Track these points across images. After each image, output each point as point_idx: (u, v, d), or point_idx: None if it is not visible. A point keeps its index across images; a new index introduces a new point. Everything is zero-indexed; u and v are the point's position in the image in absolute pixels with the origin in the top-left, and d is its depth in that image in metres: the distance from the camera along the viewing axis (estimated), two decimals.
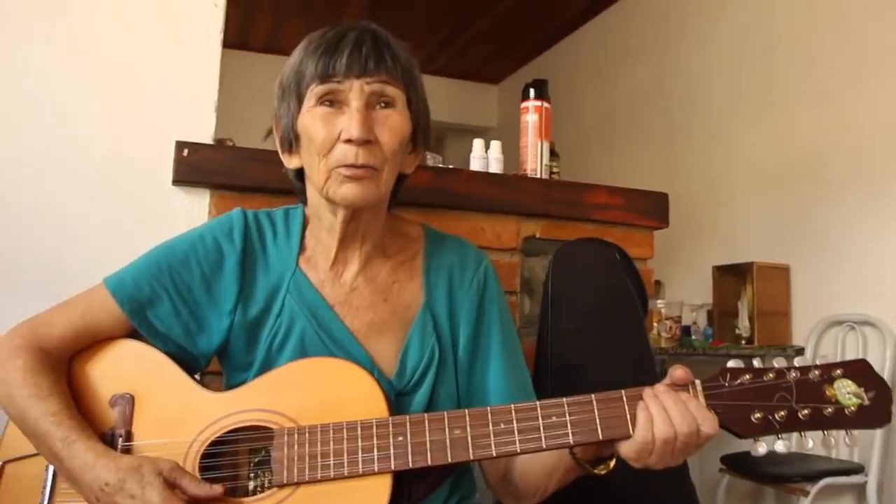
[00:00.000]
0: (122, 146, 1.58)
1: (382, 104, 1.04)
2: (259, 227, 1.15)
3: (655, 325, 3.10)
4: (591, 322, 1.56)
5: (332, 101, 1.03)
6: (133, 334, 1.09)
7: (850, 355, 2.84)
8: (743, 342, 3.12)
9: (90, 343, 1.08)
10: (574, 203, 1.77)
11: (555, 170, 1.91)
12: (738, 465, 2.77)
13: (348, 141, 1.01)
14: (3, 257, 1.51)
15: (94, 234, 1.55)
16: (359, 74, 1.01)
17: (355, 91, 1.02)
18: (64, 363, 1.06)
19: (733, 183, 3.57)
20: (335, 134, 1.02)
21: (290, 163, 1.11)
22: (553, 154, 1.89)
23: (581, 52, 5.09)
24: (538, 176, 1.80)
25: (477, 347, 1.16)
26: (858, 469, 2.59)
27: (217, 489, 0.95)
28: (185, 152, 1.53)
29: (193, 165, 1.54)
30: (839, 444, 0.94)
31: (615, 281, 1.63)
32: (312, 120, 1.03)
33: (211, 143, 1.60)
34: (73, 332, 1.06)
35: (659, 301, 3.18)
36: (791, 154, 3.26)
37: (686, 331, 3.28)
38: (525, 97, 1.85)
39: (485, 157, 1.82)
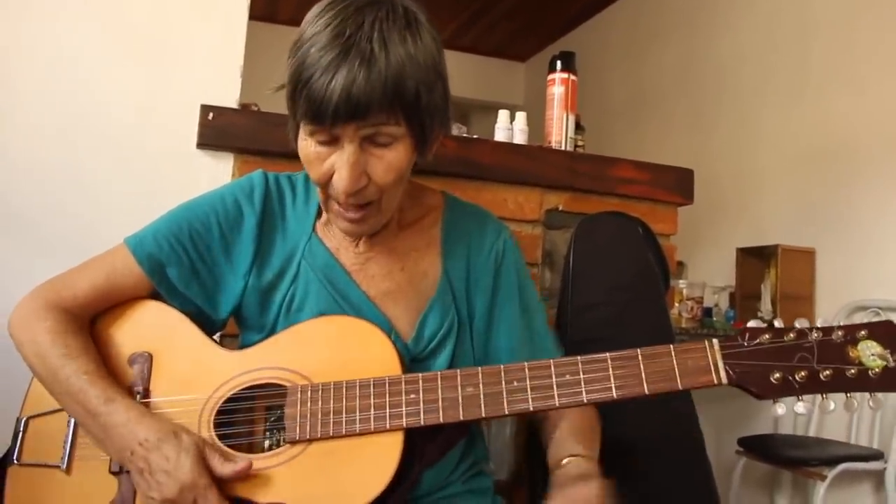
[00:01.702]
0: (147, 110, 1.60)
1: (378, 143, 0.98)
2: (279, 191, 1.15)
3: (677, 305, 3.07)
4: (611, 296, 1.55)
5: (325, 140, 0.98)
6: (154, 295, 1.10)
7: None
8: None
9: (113, 303, 1.10)
10: (598, 176, 1.76)
11: (580, 143, 1.90)
12: (755, 447, 2.76)
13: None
14: (30, 220, 1.53)
15: (120, 196, 1.57)
16: (348, 120, 0.94)
17: (348, 135, 0.96)
18: (88, 323, 1.08)
19: (760, 165, 3.52)
20: (328, 174, 0.99)
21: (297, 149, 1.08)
22: (578, 127, 1.87)
23: (610, 30, 5.03)
24: (563, 148, 1.79)
25: (492, 318, 1.15)
26: (877, 455, 2.56)
27: (241, 466, 0.95)
28: (210, 116, 1.54)
29: (218, 129, 1.55)
30: (862, 408, 0.90)
31: (637, 256, 1.62)
32: (307, 155, 1.00)
33: (236, 107, 1.60)
34: (96, 292, 1.08)
35: (681, 281, 3.15)
36: (821, 138, 3.20)
37: (707, 312, 3.26)
38: (552, 69, 1.83)
39: (509, 129, 1.81)
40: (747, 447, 2.79)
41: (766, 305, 3.12)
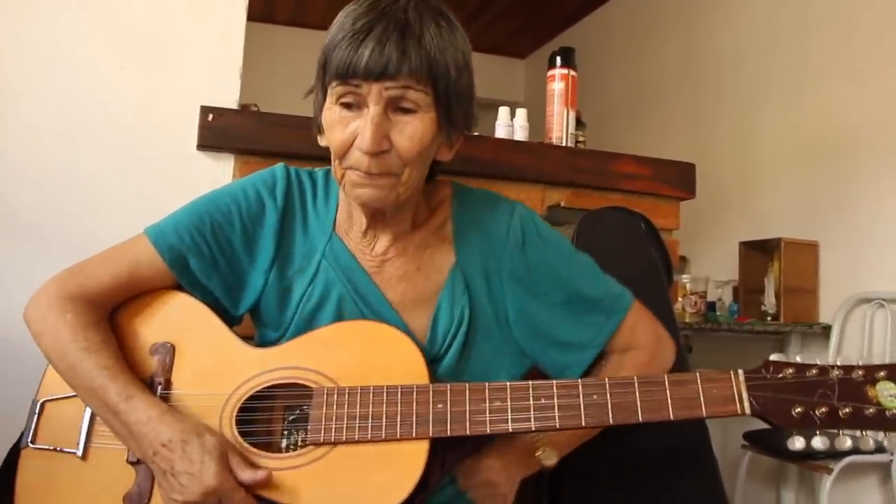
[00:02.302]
0: (147, 111, 1.59)
1: (402, 110, 0.98)
2: (301, 187, 1.14)
3: (680, 299, 3.07)
4: None
5: (350, 103, 0.98)
6: (175, 286, 1.09)
7: (879, 334, 2.81)
8: (769, 319, 3.08)
9: (134, 294, 1.08)
10: (600, 172, 1.75)
11: (580, 139, 1.89)
12: (761, 441, 2.75)
13: (360, 149, 0.98)
14: (29, 222, 1.53)
15: (119, 198, 1.57)
16: (377, 78, 0.95)
17: (374, 95, 0.96)
18: (107, 314, 1.07)
19: (762, 159, 3.52)
20: (350, 139, 0.98)
21: (322, 142, 1.08)
22: (579, 123, 1.87)
23: (610, 26, 5.02)
24: (564, 144, 1.79)
25: (533, 294, 1.11)
26: (883, 448, 2.55)
27: (262, 476, 0.95)
28: (210, 117, 1.54)
29: (218, 130, 1.54)
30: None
31: (640, 251, 1.61)
32: (331, 120, 1.00)
33: (236, 108, 1.60)
34: (117, 283, 1.06)
35: (684, 276, 3.15)
36: (822, 131, 3.20)
37: (711, 306, 3.25)
38: (552, 65, 1.82)
39: (510, 125, 1.80)
40: (753, 441, 2.79)
41: (769, 299, 3.11)
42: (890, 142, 2.88)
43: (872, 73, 2.98)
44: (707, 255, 3.56)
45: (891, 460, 2.53)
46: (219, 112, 1.54)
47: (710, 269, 3.39)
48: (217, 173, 1.57)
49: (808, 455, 2.58)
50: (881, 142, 2.92)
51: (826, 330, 2.95)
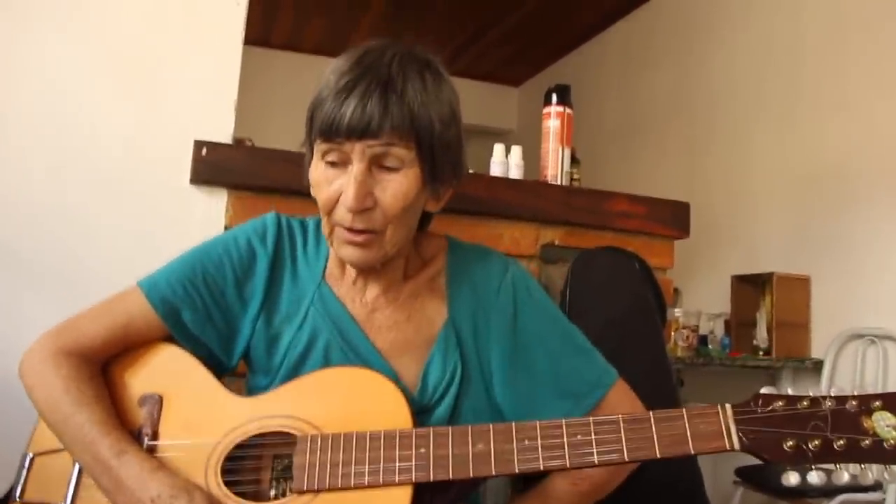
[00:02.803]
0: (140, 145, 1.58)
1: (387, 167, 0.99)
2: (291, 236, 1.14)
3: (672, 333, 3.07)
4: (608, 332, 1.54)
5: (335, 161, 0.99)
6: (167, 338, 1.09)
7: (871, 370, 2.81)
8: (760, 353, 3.08)
9: (127, 347, 1.09)
10: (595, 211, 1.75)
11: (575, 176, 1.89)
12: (753, 477, 2.74)
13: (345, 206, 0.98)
14: (22, 255, 1.51)
15: (112, 232, 1.55)
16: (360, 136, 0.95)
17: (357, 153, 0.97)
18: (100, 369, 1.07)
19: (754, 192, 3.53)
20: (336, 196, 0.99)
21: (314, 192, 1.08)
22: (574, 160, 1.87)
23: (603, 56, 5.06)
24: (559, 182, 1.78)
25: (517, 358, 1.11)
26: (876, 486, 2.54)
27: None
28: (204, 151, 1.53)
29: (212, 165, 1.53)
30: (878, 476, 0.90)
31: (634, 291, 1.61)
32: (317, 177, 1.01)
33: (230, 142, 1.59)
34: (112, 337, 1.07)
35: (676, 310, 3.15)
36: (814, 164, 3.22)
37: (703, 340, 3.25)
38: (547, 102, 1.82)
39: (505, 163, 1.80)
40: (745, 477, 2.77)
41: (761, 333, 3.12)
42: (882, 175, 2.90)
43: (864, 107, 3.01)
44: (699, 288, 3.56)
45: (883, 499, 2.52)
46: (213, 146, 1.53)
47: (701, 303, 3.39)
48: (210, 208, 1.56)
49: (802, 492, 2.56)
50: (873, 175, 2.93)
51: (818, 365, 2.95)
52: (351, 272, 1.11)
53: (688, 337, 3.07)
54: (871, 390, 0.92)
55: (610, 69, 4.93)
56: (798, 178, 3.30)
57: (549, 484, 1.14)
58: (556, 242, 1.72)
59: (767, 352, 3.06)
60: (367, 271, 1.09)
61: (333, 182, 0.99)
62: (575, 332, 1.15)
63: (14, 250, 1.51)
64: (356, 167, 0.97)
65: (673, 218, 1.83)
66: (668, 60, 4.34)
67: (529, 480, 1.19)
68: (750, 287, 3.24)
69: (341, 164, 0.99)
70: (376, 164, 0.98)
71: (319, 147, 0.99)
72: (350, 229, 0.99)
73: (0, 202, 1.51)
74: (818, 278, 3.14)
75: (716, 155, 3.84)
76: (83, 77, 1.57)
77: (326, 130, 0.96)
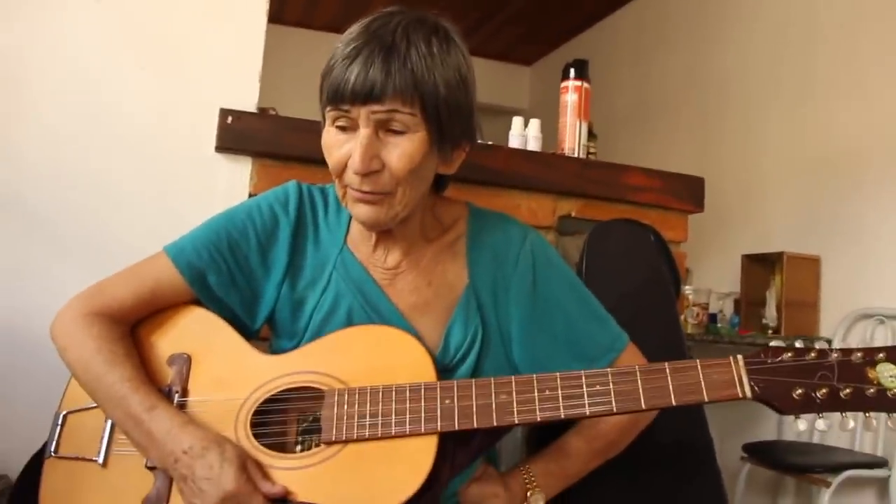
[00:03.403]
0: (166, 113, 1.61)
1: (393, 130, 1.00)
2: (312, 203, 1.17)
3: (683, 311, 3.09)
4: (623, 303, 1.56)
5: (345, 126, 1.01)
6: (194, 301, 1.13)
7: None
8: (770, 332, 3.10)
9: (155, 310, 1.12)
10: (611, 183, 1.78)
11: (592, 150, 1.91)
12: (760, 453, 2.78)
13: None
14: (47, 222, 1.55)
15: (138, 199, 1.59)
16: (364, 101, 0.97)
17: (363, 119, 0.99)
18: (130, 329, 1.11)
19: (766, 172, 3.54)
20: (345, 159, 1.01)
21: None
22: (591, 134, 1.89)
23: (617, 36, 5.05)
24: (576, 155, 1.81)
25: (536, 323, 1.13)
26: (882, 463, 2.57)
27: (278, 490, 0.97)
28: (229, 119, 1.55)
29: (236, 133, 1.56)
30: (879, 429, 0.94)
31: (649, 263, 1.63)
32: (327, 142, 1.04)
33: (254, 111, 1.62)
34: (139, 301, 1.10)
35: (687, 287, 3.17)
36: (827, 146, 3.22)
37: (712, 318, 3.28)
38: (566, 77, 1.85)
39: (523, 135, 1.82)
40: (752, 453, 2.81)
41: (770, 312, 3.14)
42: (892, 158, 2.91)
43: (877, 90, 3.01)
44: (710, 266, 3.58)
45: (889, 475, 2.55)
46: (238, 115, 1.56)
47: (712, 281, 3.41)
48: (234, 176, 1.59)
49: (808, 468, 2.60)
50: (884, 158, 2.94)
51: (827, 344, 2.96)
52: (371, 238, 1.13)
53: (698, 314, 3.10)
54: None
55: (623, 49, 4.92)
56: (810, 160, 3.30)
57: (564, 442, 1.18)
58: (573, 214, 1.75)
59: (776, 330, 3.08)
60: (385, 235, 1.12)
61: (343, 146, 1.01)
62: (591, 297, 1.19)
63: (43, 218, 1.55)
64: (362, 132, 0.99)
65: (687, 192, 1.85)
66: (681, 41, 4.33)
67: (543, 441, 1.23)
68: (760, 266, 3.26)
69: (350, 128, 1.01)
70: (383, 127, 1.00)
71: (329, 113, 1.02)
72: (359, 191, 1.02)
73: (28, 171, 1.54)
74: (828, 259, 3.15)
75: (728, 135, 3.84)
76: (111, 47, 1.59)
77: (333, 97, 0.99)
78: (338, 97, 0.99)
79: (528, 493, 1.13)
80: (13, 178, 1.53)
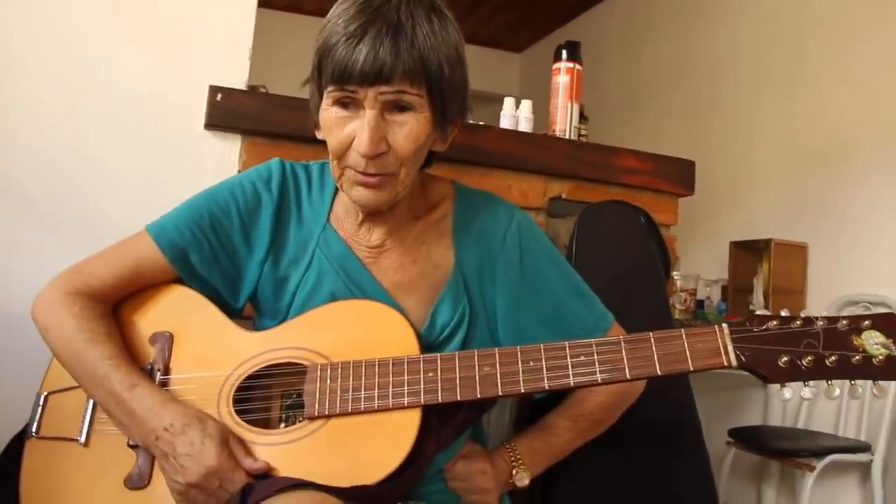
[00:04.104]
0: (156, 90, 1.59)
1: (399, 109, 1.00)
2: (296, 180, 1.16)
3: (671, 296, 3.10)
4: (613, 284, 1.57)
5: (347, 103, 1.00)
6: (176, 280, 1.12)
7: None
8: None
9: (136, 289, 1.11)
10: (602, 165, 1.77)
11: (583, 132, 1.91)
12: (745, 438, 2.80)
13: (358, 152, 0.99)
14: (38, 199, 1.53)
15: (127, 176, 1.57)
16: (372, 82, 0.96)
17: (369, 100, 0.97)
18: (111, 309, 1.10)
19: (755, 160, 3.55)
20: (348, 140, 1.00)
21: (319, 135, 1.09)
22: (582, 117, 1.88)
23: (607, 23, 5.04)
24: (567, 137, 1.80)
25: (522, 303, 1.14)
26: (865, 447, 2.60)
27: (259, 466, 0.96)
28: (219, 97, 1.54)
29: (226, 110, 1.55)
30: (865, 396, 0.94)
31: (640, 245, 1.64)
32: (328, 121, 1.02)
33: (244, 88, 1.60)
34: (121, 280, 1.09)
35: (675, 273, 3.18)
36: (816, 133, 3.23)
37: (700, 304, 3.29)
38: (557, 58, 1.84)
39: (515, 116, 1.82)
40: (737, 438, 2.83)
41: (758, 299, 3.15)
42: (881, 146, 2.92)
43: (867, 77, 3.02)
44: (697, 252, 3.59)
45: (871, 460, 2.58)
46: (227, 92, 1.55)
47: (700, 267, 3.42)
48: (224, 153, 1.58)
49: (792, 452, 2.62)
50: (873, 145, 2.96)
51: None
52: (357, 215, 1.12)
53: (685, 300, 3.11)
54: None
55: (613, 36, 4.91)
56: (798, 148, 3.31)
57: (549, 420, 1.19)
58: (564, 196, 1.75)
59: None
60: (374, 213, 1.11)
61: (346, 126, 1.00)
62: (576, 277, 1.19)
63: (31, 195, 1.53)
64: (368, 113, 0.98)
65: (678, 175, 1.85)
66: (672, 27, 4.33)
67: (531, 422, 1.23)
68: (748, 253, 3.27)
69: (353, 106, 0.99)
70: (387, 108, 0.99)
71: (331, 93, 1.00)
72: (363, 173, 1.00)
73: (18, 147, 1.52)
74: (815, 246, 3.17)
75: (718, 122, 3.85)
76: (101, 23, 1.57)
77: (339, 77, 0.97)
78: (344, 77, 0.96)
79: (514, 471, 1.14)
80: (1, 156, 1.51)
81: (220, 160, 1.57)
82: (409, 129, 1.00)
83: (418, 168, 1.07)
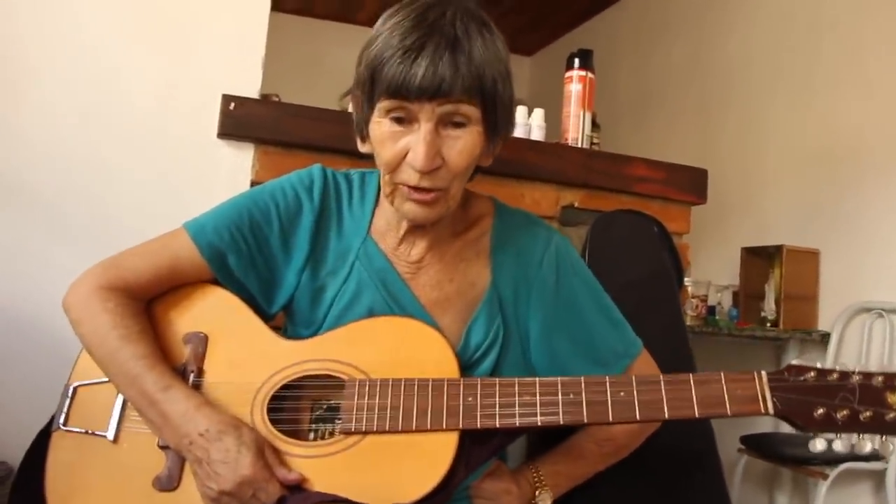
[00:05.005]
0: (169, 99, 1.60)
1: (454, 124, 0.99)
2: (337, 189, 1.15)
3: (683, 302, 3.09)
4: (626, 294, 1.55)
5: (401, 118, 0.98)
6: (212, 280, 1.11)
7: (877, 343, 2.84)
8: (768, 325, 3.11)
9: (171, 286, 1.10)
10: (614, 174, 1.77)
11: (595, 141, 1.91)
12: (757, 445, 2.78)
13: (413, 166, 0.98)
14: (50, 205, 1.54)
15: (140, 184, 1.58)
16: (431, 97, 0.95)
17: (426, 113, 0.96)
18: (146, 306, 1.09)
19: (767, 165, 3.54)
20: (402, 154, 0.99)
21: (363, 148, 1.09)
22: (595, 125, 1.88)
23: (618, 26, 5.03)
24: (580, 145, 1.80)
25: (556, 327, 1.13)
26: (878, 456, 2.58)
27: (294, 478, 0.96)
28: (232, 106, 1.54)
29: (239, 119, 1.55)
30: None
31: (652, 254, 1.63)
32: (380, 135, 1.00)
33: (257, 97, 1.61)
34: (157, 277, 1.08)
35: (687, 280, 3.17)
36: (828, 139, 3.22)
37: (711, 311, 3.28)
38: (570, 66, 1.84)
39: (527, 125, 1.82)
40: (749, 445, 2.81)
41: (769, 305, 3.14)
42: (894, 153, 2.90)
43: (880, 83, 3.00)
44: (709, 258, 3.58)
45: (885, 468, 2.56)
46: (240, 101, 1.55)
47: (711, 273, 3.42)
48: (237, 162, 1.58)
49: (805, 460, 2.61)
50: (885, 152, 2.94)
51: (825, 338, 2.98)
52: (399, 230, 1.11)
53: (697, 306, 3.10)
54: (876, 363, 0.97)
55: (624, 39, 4.90)
56: (811, 153, 3.30)
57: (574, 444, 1.18)
58: (576, 204, 1.75)
59: (775, 323, 3.09)
60: (417, 229, 1.10)
61: (399, 140, 0.99)
62: (609, 302, 1.19)
63: (42, 201, 1.54)
64: (424, 127, 0.97)
65: (691, 184, 1.85)
66: (683, 31, 4.31)
67: (545, 440, 1.23)
68: (759, 259, 3.26)
69: (407, 120, 0.99)
70: (442, 122, 0.98)
71: (384, 105, 0.98)
72: (416, 188, 0.99)
73: (32, 154, 1.53)
74: (827, 252, 3.15)
75: (729, 127, 3.84)
76: (114, 32, 1.58)
77: (397, 90, 0.96)
78: (402, 91, 0.95)
79: (537, 492, 1.14)
80: (14, 161, 1.52)
81: (234, 169, 1.58)
82: (463, 144, 0.99)
83: (466, 181, 1.07)
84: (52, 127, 1.54)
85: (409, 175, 0.99)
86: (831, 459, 2.54)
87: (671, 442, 1.30)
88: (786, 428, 3.07)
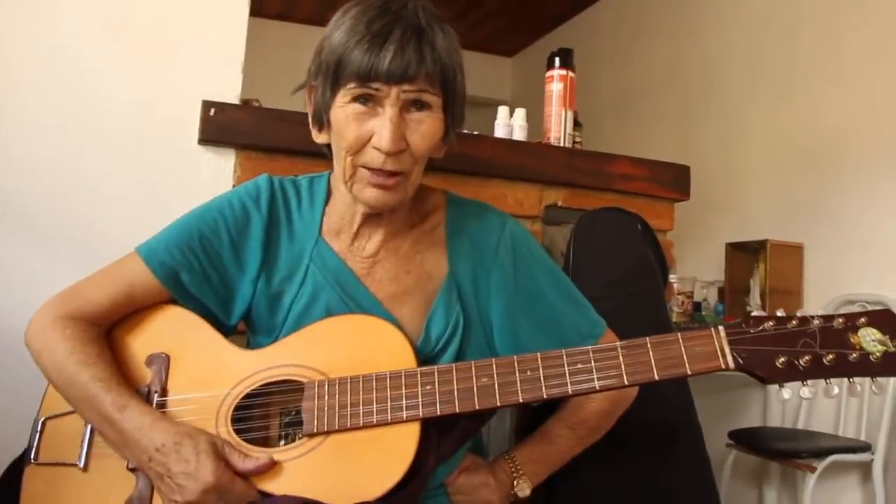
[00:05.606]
0: (149, 105, 1.59)
1: (417, 107, 1.02)
2: (285, 196, 1.16)
3: (669, 299, 3.10)
4: (611, 291, 1.57)
5: (367, 100, 1.01)
6: (170, 300, 1.11)
7: None
8: None
9: (129, 311, 1.11)
10: (597, 172, 1.78)
11: (578, 139, 1.91)
12: (746, 440, 2.79)
13: (378, 148, 1.00)
14: (30, 215, 1.53)
15: (121, 192, 1.57)
16: (398, 81, 0.98)
17: (392, 98, 0.99)
18: (105, 332, 1.09)
19: (749, 161, 3.56)
20: (366, 136, 1.01)
21: (319, 138, 1.10)
22: (576, 123, 1.89)
23: (598, 26, 5.05)
24: (562, 144, 1.81)
25: (517, 311, 1.14)
26: (865, 447, 2.60)
27: (263, 462, 0.96)
28: (212, 112, 1.54)
29: (220, 125, 1.55)
30: (849, 402, 0.94)
31: (636, 251, 1.64)
32: (345, 118, 1.02)
33: (237, 103, 1.60)
34: (114, 302, 1.09)
35: (672, 276, 3.18)
36: (809, 134, 3.24)
37: (697, 306, 3.29)
38: (550, 66, 1.84)
39: (509, 125, 1.82)
40: (737, 440, 2.82)
41: (755, 300, 3.15)
42: (875, 145, 2.93)
43: (859, 77, 3.02)
44: (694, 255, 3.59)
45: (872, 459, 2.58)
46: (220, 107, 1.55)
47: (696, 269, 3.43)
48: (218, 167, 1.58)
49: (793, 453, 2.62)
50: (866, 145, 2.96)
51: None
52: (353, 223, 1.12)
53: (683, 303, 3.11)
54: None
55: (605, 39, 4.92)
56: (792, 148, 3.32)
57: (546, 428, 1.19)
58: (559, 203, 1.75)
59: None
60: (373, 219, 1.11)
61: (365, 123, 1.01)
62: (569, 284, 1.20)
63: (24, 211, 1.52)
64: (390, 111, 1.00)
65: (674, 180, 1.86)
66: (663, 30, 4.33)
67: (531, 430, 1.23)
68: (744, 254, 3.27)
69: (372, 103, 1.01)
70: (405, 107, 1.01)
71: (350, 90, 1.00)
72: (379, 171, 1.01)
73: (11, 162, 1.52)
74: (811, 246, 3.17)
75: (711, 124, 3.85)
76: (93, 39, 1.57)
77: (365, 74, 0.98)
78: (370, 75, 0.98)
79: (515, 482, 1.14)
80: None
81: (215, 175, 1.57)
82: (426, 128, 1.02)
83: (423, 168, 1.08)
84: (32, 137, 1.53)
85: (372, 157, 1.01)
86: (819, 452, 2.55)
87: (647, 418, 1.29)
88: (774, 422, 3.09)
